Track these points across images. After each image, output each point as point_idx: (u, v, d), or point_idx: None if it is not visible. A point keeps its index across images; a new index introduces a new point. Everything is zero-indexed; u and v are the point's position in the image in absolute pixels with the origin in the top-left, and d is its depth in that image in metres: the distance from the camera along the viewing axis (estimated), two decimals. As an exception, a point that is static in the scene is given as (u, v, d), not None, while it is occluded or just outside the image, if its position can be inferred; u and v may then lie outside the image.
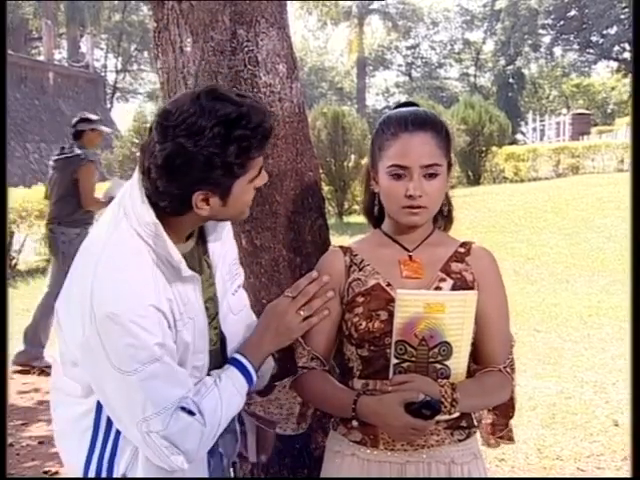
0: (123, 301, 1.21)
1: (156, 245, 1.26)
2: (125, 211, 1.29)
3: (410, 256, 1.44)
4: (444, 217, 1.52)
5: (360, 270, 1.44)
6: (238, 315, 1.47)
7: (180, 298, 1.30)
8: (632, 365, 1.55)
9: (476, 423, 1.48)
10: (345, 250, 1.48)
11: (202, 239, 1.41)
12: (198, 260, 1.38)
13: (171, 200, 1.25)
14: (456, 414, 1.37)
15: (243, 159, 1.23)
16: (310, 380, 1.45)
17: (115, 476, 1.31)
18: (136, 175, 1.29)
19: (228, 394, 1.34)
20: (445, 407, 1.30)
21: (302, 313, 1.42)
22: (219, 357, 1.43)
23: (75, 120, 4.80)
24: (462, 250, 1.47)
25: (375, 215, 1.50)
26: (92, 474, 1.32)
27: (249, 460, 1.56)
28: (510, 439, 1.53)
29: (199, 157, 1.19)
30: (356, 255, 1.46)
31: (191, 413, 1.26)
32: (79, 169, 4.58)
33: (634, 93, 1.82)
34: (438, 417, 1.31)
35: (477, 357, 1.45)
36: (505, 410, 1.50)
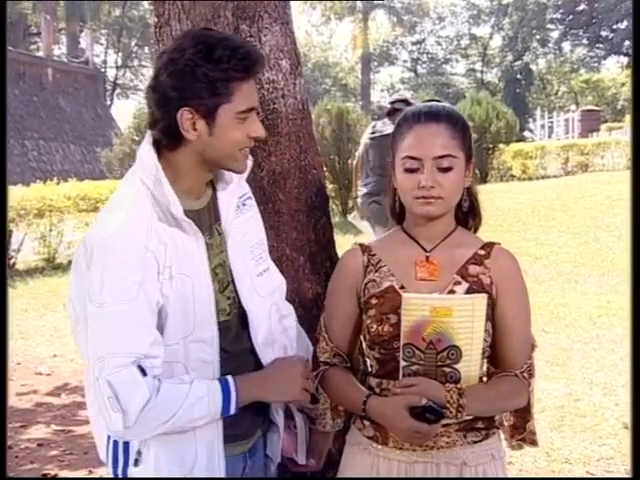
0: (112, 232, 1.29)
1: (155, 189, 1.32)
2: (136, 163, 1.37)
3: (427, 257, 1.42)
4: (466, 214, 1.49)
5: (376, 271, 1.44)
6: (266, 297, 1.46)
7: (176, 245, 1.31)
8: (632, 364, 1.54)
9: (497, 424, 1.46)
10: (364, 249, 1.47)
11: (215, 209, 1.42)
12: (209, 226, 1.40)
13: (162, 125, 1.32)
14: (468, 417, 1.35)
15: (226, 78, 1.29)
16: (330, 376, 1.47)
17: (130, 451, 1.34)
18: None
19: (196, 399, 1.29)
20: (450, 412, 1.29)
21: (308, 384, 1.43)
22: (237, 331, 1.41)
23: (392, 99, 5.51)
24: (482, 252, 1.44)
25: (397, 211, 1.49)
26: (111, 450, 1.37)
27: (298, 462, 1.53)
28: (533, 442, 1.51)
29: (184, 68, 1.28)
30: (374, 255, 1.46)
31: (144, 374, 1.25)
32: None
33: (634, 93, 1.79)
34: (447, 420, 1.31)
35: (495, 360, 1.44)
36: (522, 414, 1.48)
